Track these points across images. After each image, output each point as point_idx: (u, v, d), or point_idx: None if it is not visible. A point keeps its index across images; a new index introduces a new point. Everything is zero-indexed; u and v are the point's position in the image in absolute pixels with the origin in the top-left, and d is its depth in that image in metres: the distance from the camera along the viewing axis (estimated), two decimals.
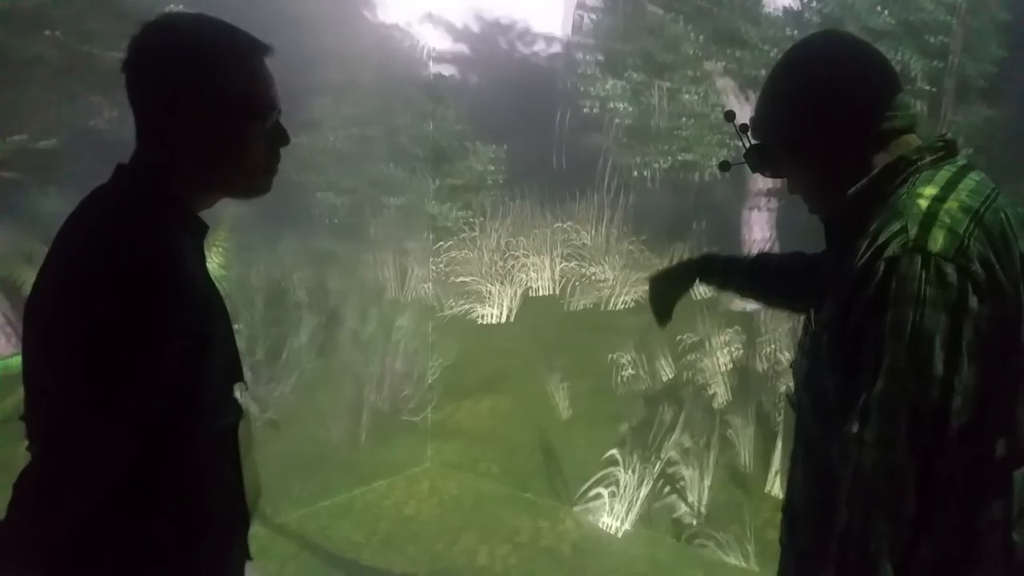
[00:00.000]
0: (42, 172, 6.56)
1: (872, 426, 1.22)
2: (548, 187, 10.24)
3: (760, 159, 1.51)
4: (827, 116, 1.38)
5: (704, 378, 5.80)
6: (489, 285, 8.23)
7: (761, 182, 8.80)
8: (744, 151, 1.53)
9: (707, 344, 6.27)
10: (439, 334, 6.51)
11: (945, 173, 1.33)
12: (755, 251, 8.54)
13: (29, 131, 6.33)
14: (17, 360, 4.50)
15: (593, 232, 9.79)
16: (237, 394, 1.51)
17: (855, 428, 1.23)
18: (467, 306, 8.03)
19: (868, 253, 1.26)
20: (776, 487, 4.48)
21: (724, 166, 1.77)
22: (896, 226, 1.25)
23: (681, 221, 10.06)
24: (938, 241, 1.22)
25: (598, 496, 4.35)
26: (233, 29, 1.43)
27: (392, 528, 4.29)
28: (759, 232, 9.06)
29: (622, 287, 8.61)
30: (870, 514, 1.22)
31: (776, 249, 8.62)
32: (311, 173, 9.45)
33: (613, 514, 4.27)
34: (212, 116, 1.38)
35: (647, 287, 2.06)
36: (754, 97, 8.65)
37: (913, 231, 1.23)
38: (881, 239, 1.25)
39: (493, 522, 4.34)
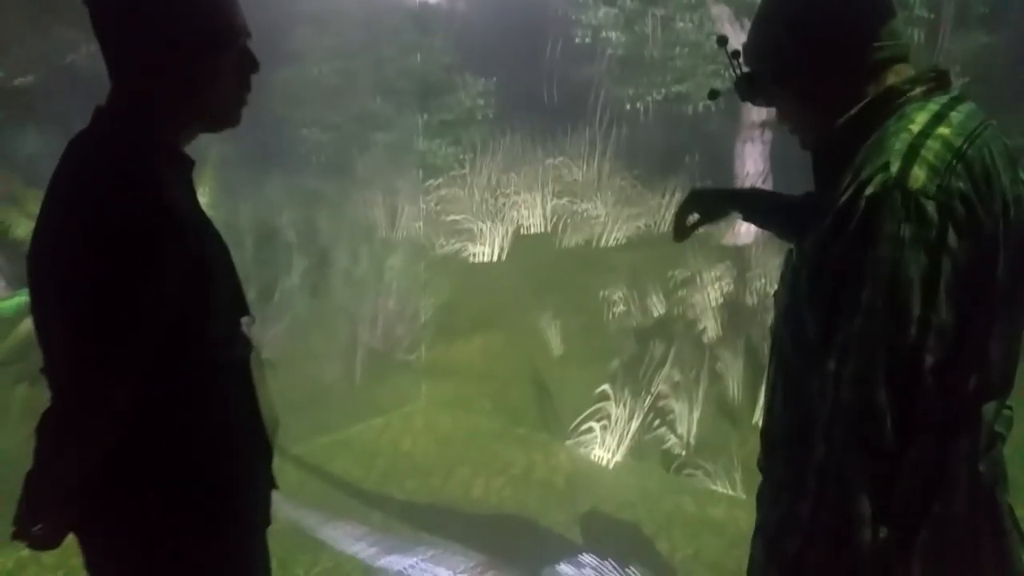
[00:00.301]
0: (20, 110, 6.58)
1: (850, 363, 1.26)
2: (539, 121, 10.30)
3: (750, 87, 1.54)
4: (817, 45, 1.40)
5: (694, 313, 6.01)
6: (480, 223, 8.38)
7: (755, 114, 8.88)
8: (735, 79, 1.55)
9: (698, 279, 6.49)
10: (431, 273, 6.68)
11: (934, 106, 1.34)
12: (748, 184, 8.76)
13: (5, 69, 6.35)
14: (6, 304, 4.64)
15: (585, 168, 9.90)
16: (244, 329, 1.60)
17: (833, 365, 1.28)
18: (458, 245, 8.20)
19: (850, 189, 1.28)
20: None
21: (713, 94, 1.85)
22: (879, 162, 1.27)
23: (674, 155, 10.18)
24: (919, 178, 1.24)
25: (590, 430, 4.58)
26: None
27: (389, 463, 4.52)
28: (752, 165, 9.17)
29: (614, 223, 8.83)
30: (848, 449, 1.26)
31: (769, 183, 8.79)
32: (295, 108, 9.48)
33: (604, 447, 4.51)
34: (178, 49, 1.42)
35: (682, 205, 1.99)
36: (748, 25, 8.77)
37: (895, 168, 1.25)
38: (863, 175, 1.27)
39: (487, 456, 4.58)
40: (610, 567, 3.36)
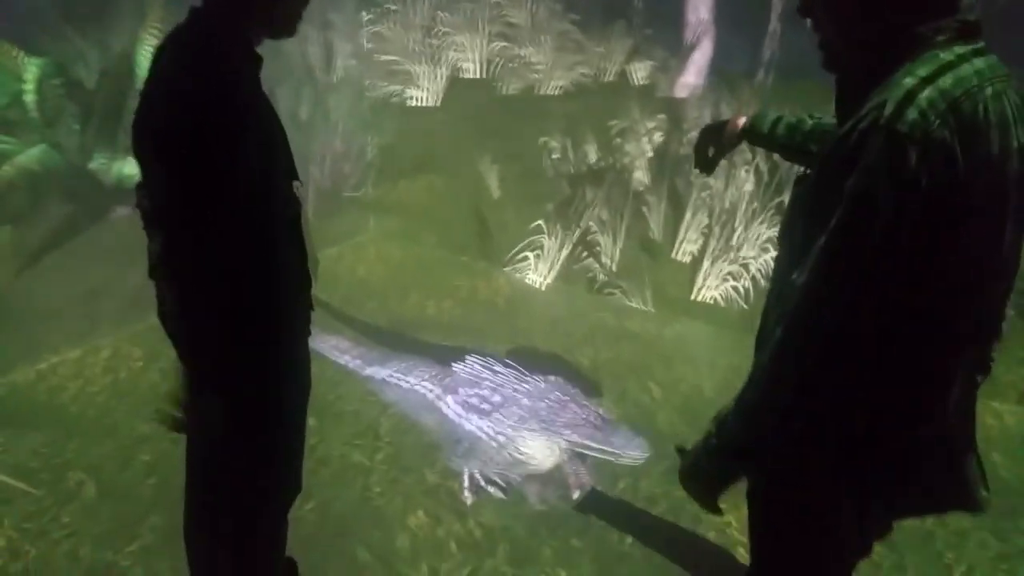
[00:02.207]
0: None
1: (807, 275, 1.63)
2: None
3: (804, 6, 1.80)
4: None
5: (628, 160, 7.46)
6: (416, 66, 9.46)
7: None
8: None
9: (634, 129, 7.89)
10: (375, 113, 7.86)
11: (948, 55, 1.62)
12: (696, 36, 9.89)
13: None
14: None
15: (526, 10, 10.75)
16: (296, 190, 2.28)
17: (800, 277, 1.65)
18: (396, 87, 9.33)
19: (851, 122, 1.60)
20: (681, 253, 6.36)
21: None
22: (877, 101, 1.58)
23: (618, 1, 11.13)
24: (907, 122, 1.52)
25: (525, 258, 6.13)
26: None
27: (349, 289, 5.91)
28: (701, 13, 9.91)
29: (555, 71, 9.90)
30: (792, 332, 1.68)
31: (713, 32, 9.87)
32: None
33: (538, 272, 6.09)
34: None
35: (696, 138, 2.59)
36: None
37: (889, 109, 1.54)
38: (863, 111, 1.59)
39: (436, 281, 6.04)
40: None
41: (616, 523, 3.73)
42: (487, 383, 4.28)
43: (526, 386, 4.23)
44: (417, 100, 9.36)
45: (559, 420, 4.00)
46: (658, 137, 7.91)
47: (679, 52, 10.16)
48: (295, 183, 2.26)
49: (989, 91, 1.60)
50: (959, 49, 1.63)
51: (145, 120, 2.04)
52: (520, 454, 3.95)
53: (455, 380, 4.37)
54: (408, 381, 4.49)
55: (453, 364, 4.47)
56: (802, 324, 1.66)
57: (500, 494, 3.87)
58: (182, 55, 2.04)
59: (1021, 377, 4.99)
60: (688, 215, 6.44)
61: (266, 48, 2.17)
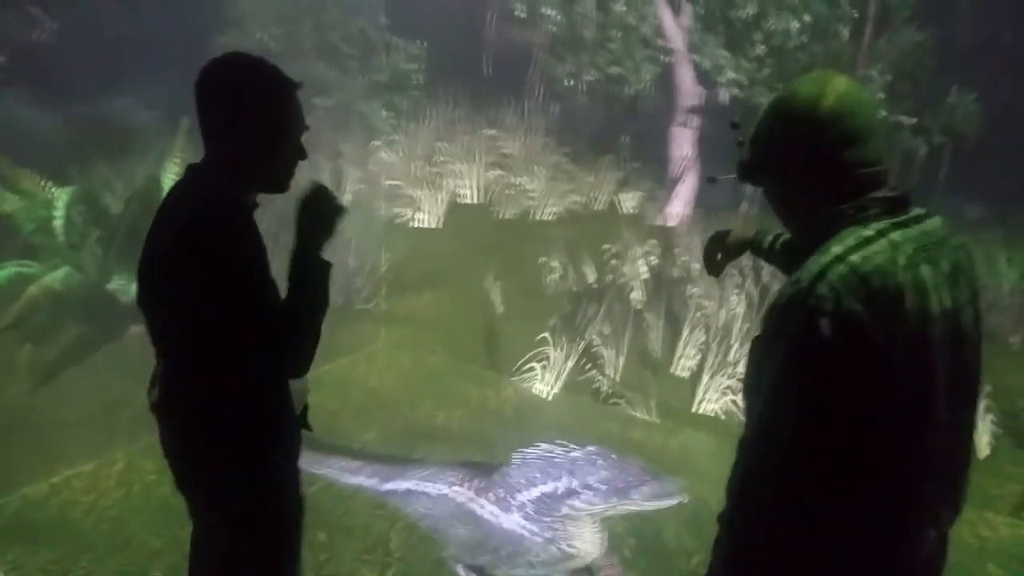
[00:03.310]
0: None
1: (754, 430, 1.82)
2: (474, 92, 11.51)
3: (745, 171, 2.00)
4: (799, 163, 1.84)
5: (624, 280, 7.59)
6: (417, 191, 9.70)
7: (687, 99, 10.25)
8: (737, 159, 2.02)
9: (628, 253, 8.08)
10: (387, 232, 8.03)
11: (867, 231, 1.74)
12: (680, 170, 10.29)
13: None
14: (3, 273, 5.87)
15: (521, 142, 11.16)
16: None
17: (750, 425, 1.84)
18: (398, 210, 9.55)
19: (772, 299, 1.80)
20: (680, 368, 6.41)
21: (711, 180, 2.45)
22: (795, 277, 1.74)
23: (608, 134, 11.56)
24: (818, 296, 1.66)
25: (531, 369, 6.14)
26: (279, 70, 2.25)
27: (361, 397, 5.89)
28: (684, 149, 10.35)
29: (548, 198, 10.21)
30: (735, 490, 1.88)
31: (698, 167, 10.19)
32: None
33: (544, 382, 6.10)
34: (264, 136, 2.21)
35: (704, 245, 2.71)
36: (686, 9, 10.01)
37: (803, 285, 1.69)
38: (784, 285, 1.77)
39: (446, 391, 6.03)
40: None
41: None
42: (539, 475, 3.92)
43: (580, 462, 3.92)
44: (419, 222, 9.58)
45: (626, 484, 3.78)
46: (652, 260, 8.11)
47: (665, 184, 10.46)
48: None
49: (903, 262, 1.70)
50: (879, 224, 1.75)
51: (147, 269, 2.27)
52: (570, 547, 3.77)
53: (490, 481, 4.07)
54: (436, 487, 4.20)
55: (508, 465, 4.08)
56: (752, 474, 1.83)
57: None
58: (183, 211, 2.23)
59: (1011, 491, 4.99)
60: (685, 332, 6.53)
61: None
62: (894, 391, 1.69)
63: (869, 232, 1.73)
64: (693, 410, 5.97)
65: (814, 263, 1.71)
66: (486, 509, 3.97)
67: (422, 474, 4.31)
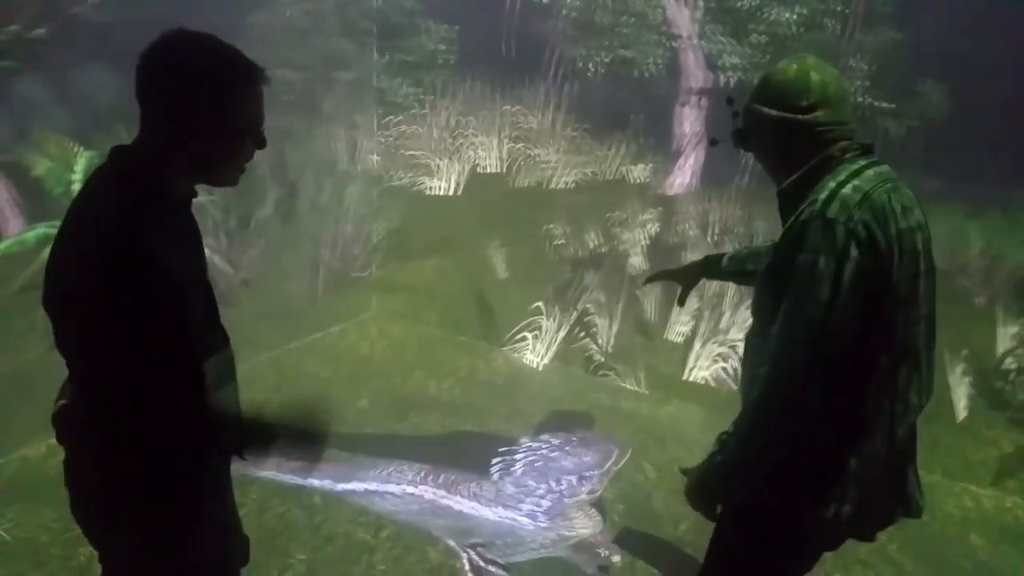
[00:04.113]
0: (34, 60, 6.86)
1: (780, 327, 1.80)
2: (497, 71, 10.65)
3: (741, 139, 2.05)
4: (782, 128, 1.92)
5: (625, 248, 6.68)
6: (438, 160, 8.90)
7: (693, 81, 9.77)
8: (732, 129, 2.08)
9: (631, 220, 7.18)
10: (385, 200, 7.14)
11: (855, 166, 1.87)
12: (684, 144, 9.64)
13: (21, 21, 6.62)
14: (28, 235, 5.06)
15: (540, 117, 10.37)
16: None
17: (775, 327, 1.82)
18: (415, 177, 8.73)
19: (792, 218, 1.84)
20: (673, 334, 5.49)
21: (713, 142, 2.38)
22: (811, 199, 1.82)
23: (621, 112, 10.61)
24: (834, 209, 1.77)
25: (523, 339, 5.26)
26: (238, 54, 1.65)
27: (352, 366, 5.11)
28: (688, 127, 9.83)
29: (564, 169, 9.44)
30: (769, 383, 1.82)
31: (703, 143, 9.51)
32: (268, 50, 9.68)
33: (535, 352, 5.21)
34: (215, 129, 1.62)
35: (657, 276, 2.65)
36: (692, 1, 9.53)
37: (819, 204, 1.79)
38: (802, 208, 1.83)
39: (436, 360, 5.21)
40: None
41: None
42: (532, 482, 3.44)
43: (563, 454, 3.51)
44: (435, 189, 8.81)
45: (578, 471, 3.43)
46: (652, 228, 7.22)
47: (670, 157, 9.97)
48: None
49: (887, 186, 1.87)
50: (862, 162, 1.90)
51: (53, 268, 1.63)
52: (569, 531, 3.35)
53: (460, 477, 3.50)
54: (399, 487, 3.51)
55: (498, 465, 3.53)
56: (779, 367, 1.81)
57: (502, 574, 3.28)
58: (94, 200, 1.63)
59: (991, 457, 4.52)
60: None
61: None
62: (890, 286, 1.82)
63: (857, 166, 1.88)
64: (684, 377, 5.11)
65: (821, 192, 1.83)
66: (464, 504, 3.43)
67: (378, 475, 3.59)
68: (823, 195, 1.81)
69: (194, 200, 1.78)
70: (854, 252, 1.74)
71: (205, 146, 1.63)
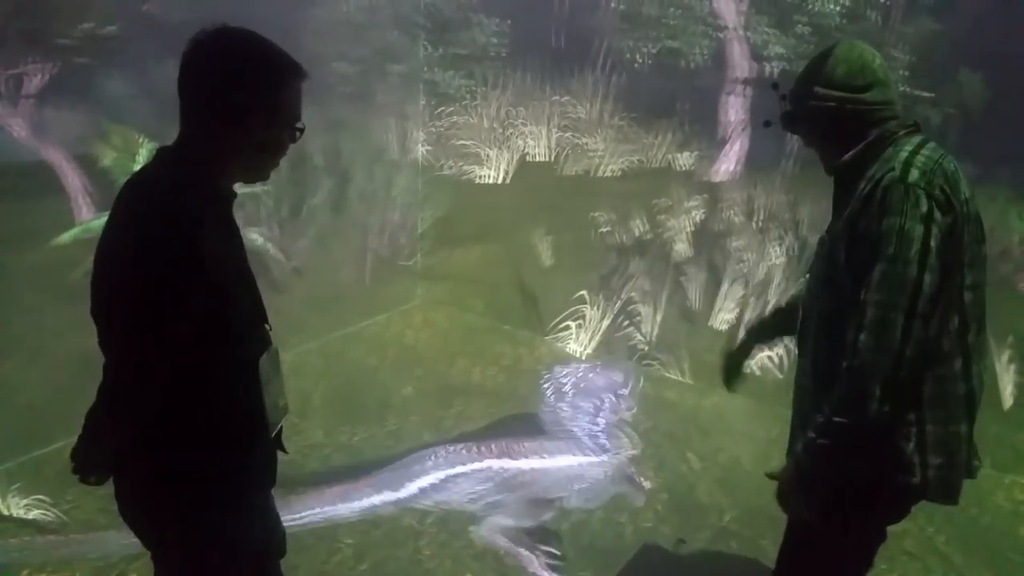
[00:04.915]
0: (106, 56, 6.80)
1: (874, 291, 1.70)
2: (547, 63, 10.38)
3: (790, 122, 1.99)
4: (841, 107, 1.87)
5: (669, 235, 6.33)
6: (488, 149, 8.62)
7: (738, 71, 9.43)
8: (781, 112, 2.01)
9: (677, 207, 6.81)
10: (432, 189, 6.89)
11: (915, 140, 1.85)
12: (730, 132, 9.33)
13: (94, 19, 6.56)
14: (97, 223, 5.00)
15: (588, 107, 10.07)
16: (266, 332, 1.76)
17: (863, 295, 1.72)
18: (465, 167, 8.46)
19: (869, 186, 1.77)
20: (718, 321, 5.15)
21: (767, 124, 2.25)
22: (887, 167, 1.77)
23: (666, 102, 10.36)
24: (914, 175, 1.73)
25: (567, 328, 4.96)
26: (279, 51, 1.60)
27: (398, 353, 4.88)
28: (734, 115, 9.51)
29: (611, 157, 9.15)
30: (870, 348, 1.70)
31: (748, 131, 9.20)
32: (326, 44, 9.53)
33: (579, 341, 4.90)
34: (258, 125, 1.57)
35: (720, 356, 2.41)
36: None
37: (898, 170, 1.74)
38: (878, 175, 1.76)
39: (481, 349, 4.95)
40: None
41: None
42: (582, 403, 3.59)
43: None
44: (484, 178, 8.56)
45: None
46: (697, 215, 6.85)
47: (716, 145, 9.68)
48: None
49: (949, 157, 1.85)
50: (916, 138, 1.87)
51: (101, 270, 1.58)
52: (621, 450, 3.46)
53: (512, 440, 3.44)
54: (467, 467, 3.34)
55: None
56: (873, 336, 1.70)
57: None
58: (140, 198, 1.56)
59: None
60: (725, 285, 5.30)
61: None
62: (963, 249, 1.78)
63: (917, 140, 1.85)
64: None
65: (895, 159, 1.79)
66: (528, 462, 3.36)
67: (434, 464, 3.37)
68: (898, 164, 1.77)
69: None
70: (937, 215, 1.71)
71: (248, 142, 1.58)
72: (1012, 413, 4.39)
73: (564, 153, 9.27)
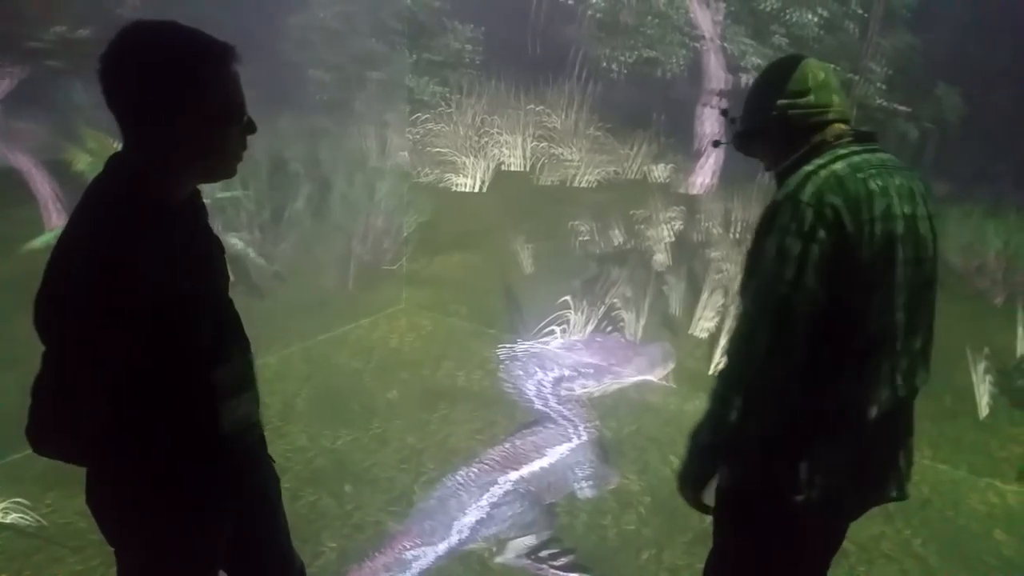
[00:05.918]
0: (79, 60, 6.77)
1: (749, 303, 1.75)
2: (522, 71, 10.48)
3: (741, 141, 2.00)
4: (785, 114, 1.88)
5: (649, 245, 6.48)
6: (464, 157, 8.71)
7: (715, 83, 9.57)
8: (731, 135, 2.03)
9: (654, 218, 6.98)
10: (414, 195, 6.98)
11: (842, 151, 1.81)
12: (706, 144, 9.40)
13: (67, 22, 6.54)
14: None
15: (563, 116, 10.20)
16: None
17: (739, 306, 1.80)
18: (442, 174, 8.55)
19: (769, 203, 1.78)
20: (698, 329, 5.30)
21: (716, 144, 2.40)
22: (787, 182, 1.77)
23: (642, 113, 10.53)
24: (807, 192, 1.71)
25: (551, 332, 5.06)
26: (205, 38, 1.46)
27: (383, 357, 4.94)
28: (710, 127, 9.66)
29: (587, 168, 9.27)
30: (734, 359, 1.77)
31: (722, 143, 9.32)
32: (303, 51, 9.58)
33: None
34: (195, 125, 1.45)
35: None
36: (715, 2, 9.35)
37: (792, 186, 1.74)
38: (778, 190, 1.78)
39: (466, 352, 5.02)
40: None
41: None
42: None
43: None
44: (463, 186, 8.65)
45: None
46: (676, 225, 7.03)
47: (691, 157, 9.81)
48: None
49: (872, 172, 1.78)
50: (849, 148, 1.83)
51: (45, 285, 1.45)
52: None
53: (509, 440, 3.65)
54: (545, 460, 3.56)
55: None
56: (739, 346, 1.77)
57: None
58: (89, 210, 1.48)
59: (1015, 454, 4.33)
60: (705, 295, 5.43)
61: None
62: (858, 270, 1.72)
63: (845, 152, 1.82)
64: (711, 372, 4.85)
65: (801, 172, 1.79)
66: (538, 461, 3.56)
67: (480, 500, 3.31)
68: (799, 178, 1.76)
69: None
70: (821, 234, 1.68)
71: (182, 140, 1.45)
72: (987, 422, 4.59)
73: (540, 163, 9.38)
